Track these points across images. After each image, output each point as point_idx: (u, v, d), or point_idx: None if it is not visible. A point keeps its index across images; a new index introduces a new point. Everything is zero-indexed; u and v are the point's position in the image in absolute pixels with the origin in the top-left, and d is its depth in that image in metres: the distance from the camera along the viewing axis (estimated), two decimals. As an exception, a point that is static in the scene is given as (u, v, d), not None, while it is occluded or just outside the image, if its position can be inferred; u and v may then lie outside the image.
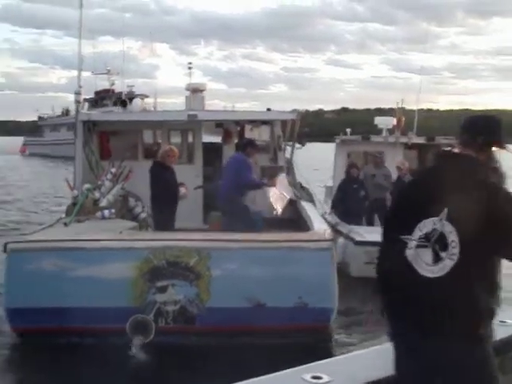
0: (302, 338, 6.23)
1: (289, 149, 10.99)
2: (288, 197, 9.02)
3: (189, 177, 9.38)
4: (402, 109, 13.14)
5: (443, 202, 2.31)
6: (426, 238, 2.34)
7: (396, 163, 11.28)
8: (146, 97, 34.37)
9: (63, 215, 7.90)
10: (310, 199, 10.26)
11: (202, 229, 8.95)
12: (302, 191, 10.39)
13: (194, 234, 7.17)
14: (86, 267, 6.21)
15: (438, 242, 2.32)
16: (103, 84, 50.15)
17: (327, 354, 6.05)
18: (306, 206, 9.02)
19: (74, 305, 6.05)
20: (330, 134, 13.45)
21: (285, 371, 2.60)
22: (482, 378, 2.32)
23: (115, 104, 40.09)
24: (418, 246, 2.37)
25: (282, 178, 9.12)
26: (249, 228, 7.55)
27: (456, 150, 2.52)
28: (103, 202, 7.98)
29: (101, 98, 49.17)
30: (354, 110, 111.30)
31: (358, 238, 9.65)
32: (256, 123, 11.37)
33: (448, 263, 2.29)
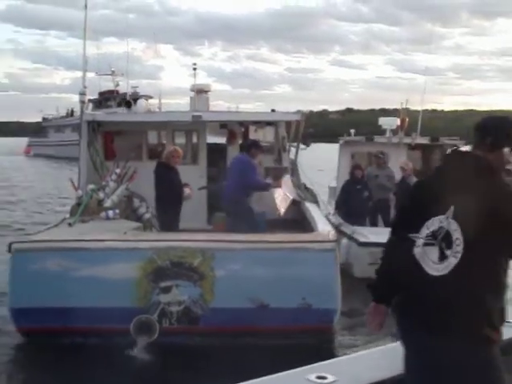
0: (306, 338, 6.23)
1: (293, 150, 11.00)
2: (291, 197, 9.03)
3: (193, 177, 9.40)
4: (407, 109, 13.13)
5: (450, 201, 2.31)
6: (433, 236, 2.35)
7: (399, 164, 11.27)
8: (150, 98, 34.35)
9: (67, 215, 7.92)
10: (314, 200, 10.26)
11: (206, 229, 8.96)
12: (306, 192, 10.39)
13: (198, 235, 7.17)
14: (90, 267, 6.22)
15: (444, 240, 2.32)
16: (107, 85, 50.28)
17: (331, 354, 6.05)
18: (309, 207, 9.02)
19: (78, 305, 6.07)
20: (335, 135, 13.45)
21: (289, 371, 2.60)
22: (486, 380, 2.31)
23: (119, 105, 40.12)
24: (425, 244, 2.37)
25: (286, 179, 9.14)
26: (252, 229, 7.56)
27: (464, 149, 2.53)
28: (107, 203, 7.99)
29: (105, 98, 49.26)
30: (359, 111, 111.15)
31: (362, 239, 9.65)
32: (260, 124, 11.37)
33: (452, 261, 2.29)
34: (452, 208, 2.30)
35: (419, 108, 14.13)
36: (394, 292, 2.55)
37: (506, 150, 2.43)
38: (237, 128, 10.94)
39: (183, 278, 6.27)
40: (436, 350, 2.31)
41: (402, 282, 2.47)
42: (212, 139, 11.15)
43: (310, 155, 12.08)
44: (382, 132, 12.48)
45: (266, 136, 11.70)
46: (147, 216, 8.61)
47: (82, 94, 9.42)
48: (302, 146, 10.78)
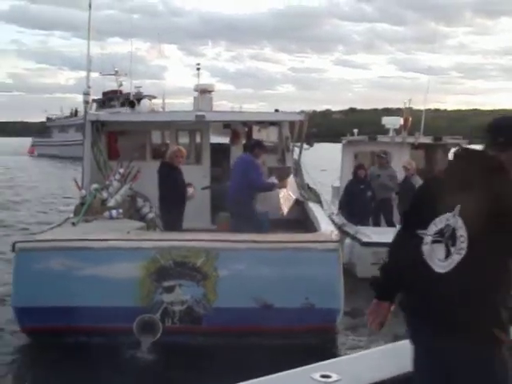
0: (309, 338, 6.23)
1: (297, 150, 11.00)
2: (294, 197, 9.04)
3: (196, 177, 9.41)
4: (410, 109, 13.11)
5: (458, 198, 2.31)
6: (441, 233, 2.35)
7: (402, 163, 11.26)
8: (154, 98, 34.46)
9: (71, 215, 7.94)
10: (318, 200, 10.27)
11: (209, 229, 8.97)
12: (309, 192, 10.40)
13: (202, 235, 7.18)
14: (94, 267, 6.24)
15: (450, 238, 2.32)
16: (111, 85, 50.39)
17: (334, 354, 6.06)
18: (313, 207, 9.03)
19: (82, 304, 6.08)
20: (338, 135, 13.43)
21: (294, 370, 2.60)
22: (489, 380, 2.31)
23: (123, 105, 40.23)
24: (433, 242, 2.37)
25: (290, 180, 9.16)
26: (256, 230, 7.56)
27: (476, 148, 2.53)
28: (111, 202, 8.01)
29: (108, 98, 49.36)
30: (362, 111, 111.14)
31: (365, 239, 9.65)
32: (264, 124, 11.38)
33: (456, 258, 2.29)
34: (459, 205, 2.30)
35: (422, 107, 14.14)
36: (398, 289, 2.54)
37: None
38: (240, 128, 10.95)
39: (186, 277, 6.28)
40: (443, 350, 2.31)
41: (408, 279, 2.46)
42: (215, 139, 11.16)
43: (313, 155, 12.09)
44: (385, 131, 12.47)
45: (269, 136, 11.71)
46: (151, 216, 8.62)
47: (86, 93, 9.43)
48: (305, 146, 10.79)
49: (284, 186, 8.64)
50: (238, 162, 8.56)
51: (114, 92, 49.63)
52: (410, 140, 11.96)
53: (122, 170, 8.69)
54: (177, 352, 6.08)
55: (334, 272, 6.34)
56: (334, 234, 6.76)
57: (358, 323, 7.66)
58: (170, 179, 8.20)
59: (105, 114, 12.07)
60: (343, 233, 9.83)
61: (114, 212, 7.72)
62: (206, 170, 10.21)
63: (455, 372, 2.33)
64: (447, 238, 2.33)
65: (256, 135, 11.37)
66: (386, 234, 10.09)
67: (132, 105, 12.43)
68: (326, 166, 22.47)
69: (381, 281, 2.65)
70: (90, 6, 9.76)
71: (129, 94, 39.64)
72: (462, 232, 2.28)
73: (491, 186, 2.29)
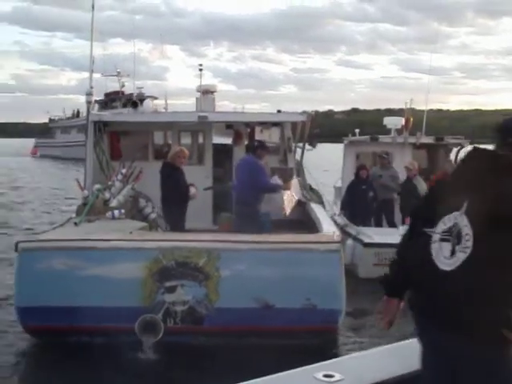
0: (310, 339, 6.23)
1: (299, 150, 11.00)
2: (296, 198, 9.05)
3: (199, 178, 9.41)
4: (412, 109, 13.11)
5: (465, 197, 2.32)
6: (449, 231, 2.36)
7: (404, 164, 11.26)
8: (156, 98, 34.45)
9: (74, 215, 7.96)
10: (320, 201, 10.27)
11: (211, 230, 8.97)
12: (311, 193, 10.41)
13: (204, 235, 7.19)
14: (96, 267, 6.25)
15: (456, 236, 2.33)
16: (113, 86, 50.40)
17: (335, 355, 6.05)
18: (315, 207, 9.04)
19: (84, 304, 6.09)
20: (340, 135, 13.42)
21: (296, 369, 2.60)
22: (494, 380, 2.30)
23: (124, 105, 40.24)
24: (441, 240, 2.38)
25: (293, 182, 9.21)
26: (258, 230, 7.57)
27: (485, 148, 2.53)
28: (113, 203, 8.02)
29: (111, 99, 49.36)
30: (364, 111, 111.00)
31: (367, 240, 9.66)
32: (266, 125, 11.38)
33: (460, 256, 2.28)
34: (465, 204, 2.31)
35: (424, 108, 14.13)
36: (407, 286, 2.54)
37: None
38: (243, 129, 10.95)
39: (188, 277, 6.28)
40: (449, 349, 2.31)
41: (415, 277, 2.47)
42: (218, 140, 11.17)
43: (315, 155, 12.09)
44: (387, 132, 12.47)
45: (271, 137, 11.71)
46: (153, 216, 8.64)
47: (89, 94, 9.45)
48: (308, 146, 10.79)
49: (288, 188, 8.66)
50: (242, 163, 8.55)
51: (116, 93, 49.63)
52: (412, 140, 11.95)
53: (124, 171, 8.70)
54: (178, 352, 6.08)
55: (335, 273, 6.34)
56: (336, 234, 6.77)
57: (361, 324, 7.67)
58: (172, 179, 8.21)
59: (107, 115, 12.08)
60: (345, 233, 9.83)
61: (116, 212, 7.73)
62: (208, 170, 10.23)
63: (461, 371, 2.33)
64: (454, 236, 2.33)
65: (258, 136, 11.36)
66: (387, 235, 10.11)
67: (135, 105, 12.44)
68: (328, 166, 22.44)
69: (390, 278, 2.64)
70: (92, 7, 9.80)
71: (131, 94, 39.65)
72: (467, 230, 2.28)
73: (500, 185, 2.29)
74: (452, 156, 11.99)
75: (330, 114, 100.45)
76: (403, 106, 13.02)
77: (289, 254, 6.40)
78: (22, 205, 20.43)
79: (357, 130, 13.21)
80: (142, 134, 10.41)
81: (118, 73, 49.32)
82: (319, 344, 6.30)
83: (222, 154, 10.59)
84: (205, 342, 6.18)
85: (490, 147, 2.53)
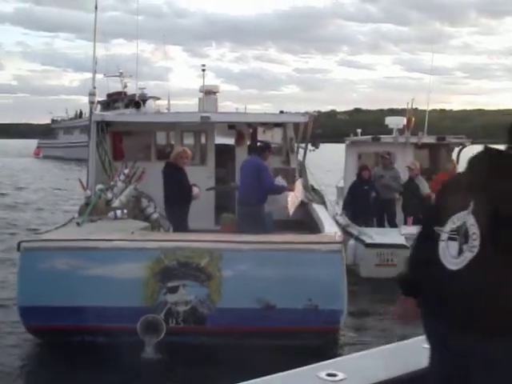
0: (312, 339, 6.24)
1: (301, 151, 11.01)
2: (300, 199, 9.07)
3: (201, 178, 9.43)
4: (415, 109, 13.10)
5: (474, 196, 2.33)
6: (457, 230, 2.36)
7: (406, 163, 11.26)
8: (158, 99, 34.55)
9: (76, 215, 7.98)
10: (322, 201, 10.29)
11: (213, 230, 8.98)
12: (313, 193, 10.42)
13: (206, 235, 7.20)
14: (98, 267, 6.26)
15: (463, 235, 2.33)
16: (115, 86, 50.43)
17: (337, 355, 6.05)
18: (317, 208, 9.05)
19: (86, 304, 6.10)
20: (343, 135, 13.40)
21: (300, 369, 2.60)
22: (502, 378, 2.30)
23: (127, 106, 40.30)
24: (448, 239, 2.38)
25: (297, 183, 9.24)
26: (261, 231, 7.59)
27: (495, 148, 2.53)
28: (116, 203, 8.03)
29: (113, 100, 49.41)
30: (367, 111, 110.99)
31: (369, 241, 9.67)
32: (268, 125, 11.39)
33: (468, 255, 2.28)
34: (472, 203, 2.31)
35: (427, 107, 14.12)
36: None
37: None
38: (245, 129, 10.96)
39: (190, 278, 6.29)
40: (457, 348, 2.31)
41: (424, 276, 2.47)
42: (220, 140, 11.18)
43: (317, 155, 12.10)
44: (389, 132, 12.45)
45: (274, 137, 11.72)
46: (155, 216, 8.65)
47: (92, 94, 9.46)
48: (310, 147, 10.80)
49: (292, 189, 8.69)
50: (247, 164, 8.53)
51: (119, 93, 49.66)
52: (413, 140, 11.94)
53: (126, 171, 8.72)
54: (180, 352, 6.09)
55: (337, 273, 6.34)
56: (338, 235, 6.77)
57: (362, 324, 7.67)
58: (175, 180, 8.23)
59: (110, 115, 12.09)
60: (347, 234, 9.84)
61: (118, 212, 7.75)
62: (210, 170, 10.24)
63: (469, 369, 2.33)
64: (461, 235, 2.34)
65: (261, 136, 11.38)
66: (389, 235, 10.13)
67: (137, 106, 12.45)
68: (330, 166, 22.45)
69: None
70: (96, 7, 9.81)
71: (133, 95, 39.69)
72: (474, 230, 2.28)
73: (506, 185, 2.30)
74: (454, 155, 12.00)
75: (332, 114, 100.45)
76: (406, 106, 13.02)
77: (290, 254, 6.40)
78: (26, 205, 20.47)
79: (359, 130, 13.20)
80: (144, 135, 10.43)
81: (121, 73, 49.38)
82: (321, 344, 6.30)
83: (224, 154, 10.60)
84: (206, 342, 6.18)
85: (502, 147, 2.53)
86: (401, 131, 12.20)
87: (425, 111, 13.83)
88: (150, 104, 19.92)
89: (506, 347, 2.24)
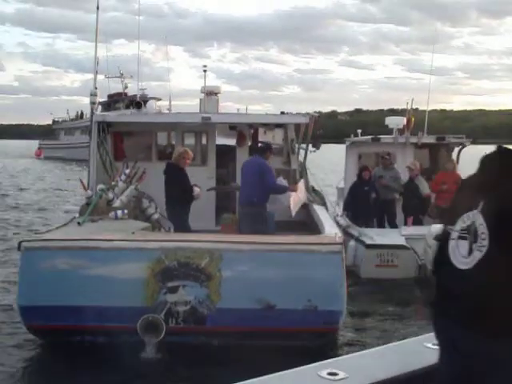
0: (311, 340, 6.25)
1: (302, 152, 11.02)
2: (303, 200, 9.09)
3: (202, 178, 9.44)
4: (416, 110, 13.08)
5: (483, 196, 2.34)
6: (468, 230, 2.37)
7: (406, 164, 11.26)
8: (159, 99, 34.58)
9: (77, 215, 7.99)
10: (322, 202, 10.29)
11: (214, 230, 8.99)
12: (314, 194, 10.43)
13: (206, 236, 7.21)
14: (99, 267, 6.27)
15: (473, 235, 2.34)
16: (116, 87, 50.44)
17: (337, 356, 6.05)
18: (317, 209, 9.06)
19: (87, 304, 6.12)
20: (344, 136, 13.39)
21: (301, 367, 2.60)
22: (503, 379, 2.31)
23: (127, 107, 40.34)
24: (459, 238, 2.39)
25: (300, 184, 9.25)
26: (263, 231, 7.59)
27: (507, 147, 2.54)
28: (116, 203, 8.05)
29: (114, 101, 49.41)
30: (368, 111, 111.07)
31: (369, 242, 9.67)
32: (269, 126, 11.40)
33: (477, 255, 2.28)
34: (482, 202, 2.32)
35: (427, 108, 14.11)
36: None
37: None
38: (246, 130, 10.97)
39: (190, 278, 6.30)
40: (467, 348, 2.31)
41: (434, 275, 2.48)
42: (221, 141, 11.19)
43: (318, 156, 12.11)
44: (389, 132, 12.44)
45: (275, 138, 11.73)
46: (156, 216, 8.67)
47: (93, 94, 9.47)
48: (311, 148, 10.80)
49: (295, 190, 8.70)
50: (249, 164, 8.52)
51: (119, 94, 49.67)
52: (413, 140, 11.93)
53: (127, 171, 8.74)
54: (180, 352, 6.10)
55: (337, 274, 6.35)
56: (338, 236, 6.77)
57: (363, 324, 7.68)
58: (177, 180, 8.24)
59: (111, 115, 12.15)
60: (347, 235, 9.84)
61: (119, 212, 7.76)
62: (211, 171, 10.25)
63: (477, 369, 2.33)
64: (471, 234, 2.35)
65: (262, 137, 11.39)
66: (389, 236, 10.13)
67: (138, 106, 12.46)
68: (331, 166, 22.46)
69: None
70: (97, 7, 9.82)
71: (133, 96, 39.74)
72: (483, 229, 2.29)
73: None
74: (454, 155, 12.00)
75: (333, 114, 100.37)
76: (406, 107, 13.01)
77: (290, 255, 6.41)
78: (27, 206, 20.51)
79: (359, 131, 13.19)
80: (145, 135, 10.44)
81: (121, 74, 49.42)
82: (320, 345, 6.31)
83: (225, 155, 10.61)
84: (206, 342, 6.19)
85: None
86: (401, 131, 12.18)
87: (425, 111, 13.83)
88: (152, 104, 19.90)
89: (510, 347, 2.25)
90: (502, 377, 2.29)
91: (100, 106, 41.27)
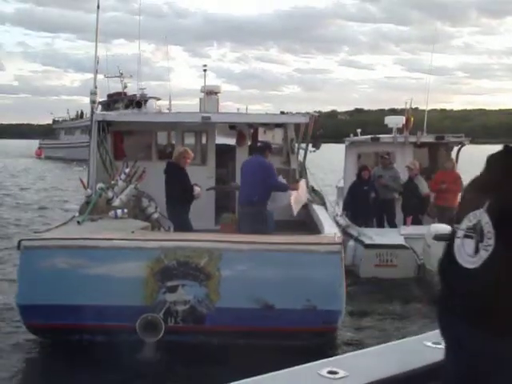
0: (310, 339, 6.25)
1: (302, 151, 11.02)
2: (304, 199, 9.09)
3: (201, 178, 9.44)
4: (416, 109, 13.08)
5: (489, 194, 2.34)
6: (474, 228, 2.37)
7: (406, 163, 11.26)
8: (159, 99, 34.57)
9: (77, 214, 8.00)
10: (322, 202, 10.29)
11: (214, 230, 8.99)
12: (313, 194, 10.43)
13: (205, 235, 7.22)
14: (98, 266, 6.28)
15: (479, 234, 2.34)
16: (116, 87, 50.43)
17: (336, 355, 6.05)
18: (317, 209, 9.07)
19: (86, 302, 6.12)
20: (344, 135, 13.39)
21: (301, 366, 2.60)
22: (508, 378, 2.31)
23: (127, 107, 40.39)
24: (464, 236, 2.39)
25: (301, 183, 9.25)
26: (263, 230, 7.59)
27: None
28: (116, 202, 8.05)
29: (113, 100, 49.40)
30: (368, 111, 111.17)
31: (368, 241, 9.67)
32: (269, 126, 11.40)
33: (483, 254, 2.28)
34: (488, 201, 2.33)
35: (426, 107, 14.12)
36: None
37: None
38: (246, 129, 10.97)
39: (189, 277, 6.30)
40: (472, 346, 2.31)
41: (440, 274, 2.48)
42: (221, 140, 11.20)
43: (318, 155, 12.11)
44: (389, 132, 12.44)
45: (274, 138, 11.73)
46: (155, 216, 8.67)
47: (93, 93, 9.47)
48: (311, 148, 10.81)
49: (296, 188, 8.71)
50: (250, 164, 8.50)
51: (119, 94, 49.64)
52: (412, 139, 11.93)
53: (127, 170, 8.74)
54: (179, 351, 6.10)
55: (336, 274, 6.35)
56: (337, 236, 6.78)
57: (362, 323, 7.68)
58: (177, 179, 8.25)
59: (111, 114, 12.10)
60: (347, 234, 9.85)
61: (118, 211, 7.77)
62: (211, 170, 10.25)
63: (483, 367, 2.34)
64: (477, 233, 2.35)
65: (261, 137, 11.40)
66: (388, 236, 10.13)
67: (139, 105, 12.47)
68: (330, 166, 22.47)
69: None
70: (98, 7, 9.83)
71: (133, 95, 39.78)
72: (489, 228, 2.29)
73: None
74: (453, 154, 12.00)
75: (333, 114, 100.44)
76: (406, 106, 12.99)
77: (290, 255, 6.41)
78: (28, 205, 20.52)
79: (358, 130, 13.18)
80: (145, 134, 10.45)
81: (121, 74, 49.43)
82: (319, 345, 6.31)
83: (225, 154, 10.61)
84: (205, 341, 6.19)
85: None
86: (400, 130, 12.19)
87: (424, 111, 13.84)
88: (152, 104, 19.94)
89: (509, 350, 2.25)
90: (508, 376, 2.29)
91: (100, 106, 41.30)
